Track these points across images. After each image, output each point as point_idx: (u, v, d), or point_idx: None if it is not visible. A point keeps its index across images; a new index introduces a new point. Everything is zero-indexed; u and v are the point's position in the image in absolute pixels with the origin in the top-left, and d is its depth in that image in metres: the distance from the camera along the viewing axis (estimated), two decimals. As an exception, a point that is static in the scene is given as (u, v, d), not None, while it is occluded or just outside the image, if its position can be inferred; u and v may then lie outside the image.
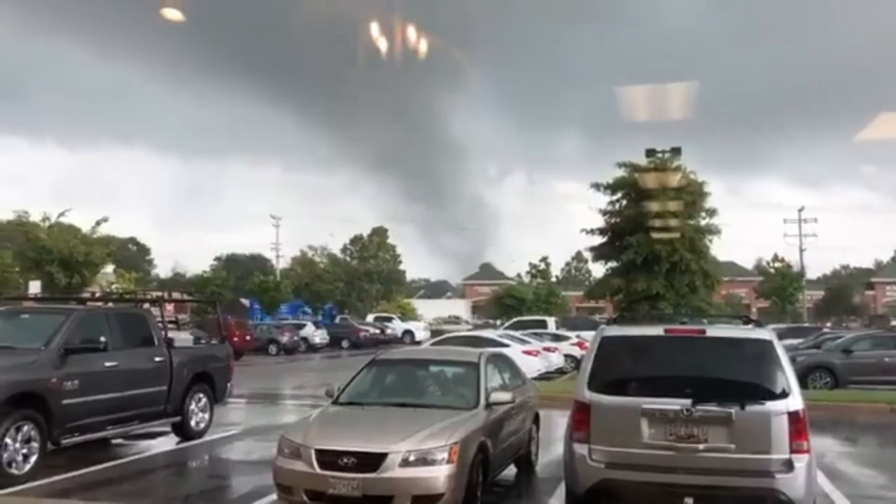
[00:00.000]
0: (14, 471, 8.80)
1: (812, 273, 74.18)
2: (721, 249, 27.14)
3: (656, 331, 7.40)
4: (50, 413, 9.25)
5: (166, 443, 12.00)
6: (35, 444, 9.07)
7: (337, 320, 52.30)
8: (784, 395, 6.65)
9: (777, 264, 67.50)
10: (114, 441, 11.55)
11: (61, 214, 38.25)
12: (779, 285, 64.90)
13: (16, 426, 8.84)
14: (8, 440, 8.73)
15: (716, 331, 7.61)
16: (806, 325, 44.81)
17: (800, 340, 26.62)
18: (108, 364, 10.23)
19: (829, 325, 53.42)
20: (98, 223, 38.03)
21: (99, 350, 10.02)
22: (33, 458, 9.05)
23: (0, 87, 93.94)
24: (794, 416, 6.52)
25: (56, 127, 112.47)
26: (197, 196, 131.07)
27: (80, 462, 9.95)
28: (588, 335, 25.22)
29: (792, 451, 6.47)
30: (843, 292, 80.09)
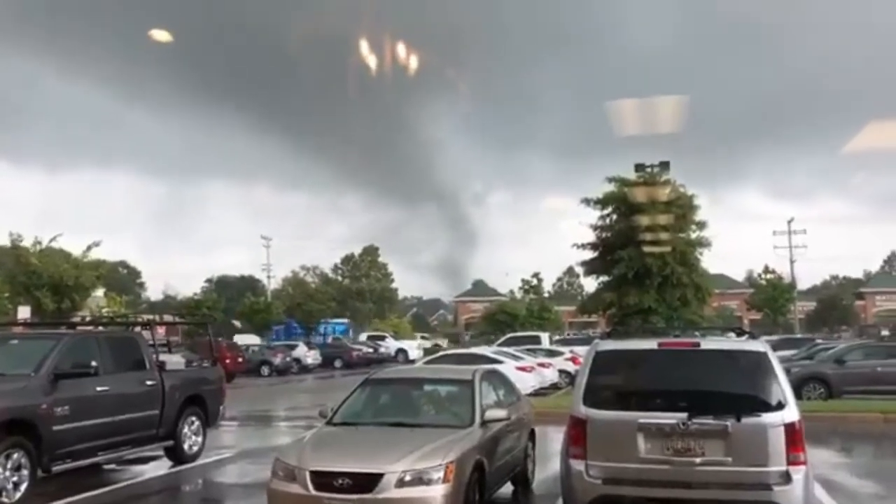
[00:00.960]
0: (4, 499, 8.68)
1: (802, 284, 74.53)
2: (711, 262, 27.23)
3: (650, 344, 7.39)
4: (40, 439, 9.14)
5: (159, 467, 11.87)
6: (25, 472, 8.95)
7: (329, 340, 52.11)
8: (780, 406, 6.64)
9: (768, 276, 67.77)
10: (105, 466, 11.41)
11: (53, 239, 38.08)
12: (770, 297, 65.11)
13: (5, 453, 8.73)
14: (-2, 468, 8.62)
15: (710, 343, 7.59)
16: (798, 336, 44.89)
17: (793, 351, 26.64)
18: (99, 389, 10.13)
19: (820, 335, 53.48)
20: (89, 247, 37.85)
21: (90, 375, 9.92)
22: (24, 486, 8.93)
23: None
24: (790, 428, 6.50)
25: (42, 152, 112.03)
26: (186, 218, 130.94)
27: (71, 489, 9.82)
28: (581, 350, 25.20)
29: (789, 463, 6.45)
30: (834, 303, 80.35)
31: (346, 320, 64.81)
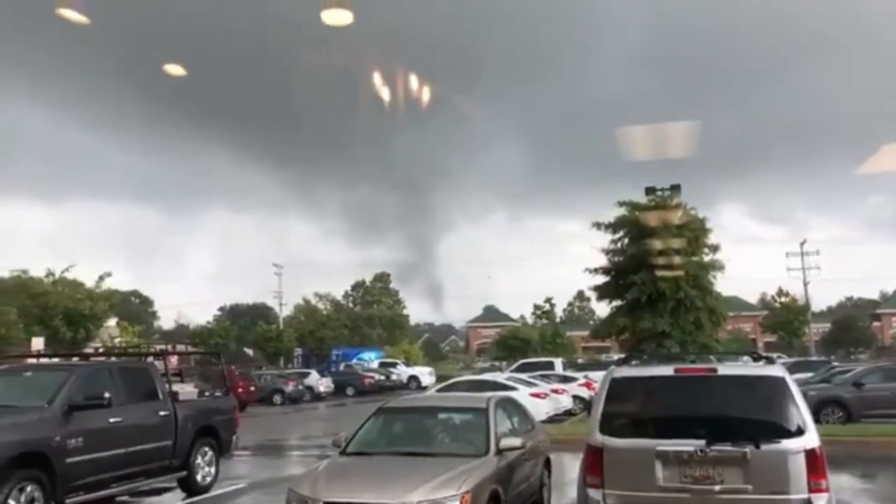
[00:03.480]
0: (18, 533, 8.64)
1: (817, 305, 74.01)
2: (725, 284, 27.03)
3: (666, 371, 7.32)
4: (54, 472, 9.10)
5: (172, 499, 11.82)
6: (39, 505, 8.91)
7: (342, 367, 52.00)
8: (800, 432, 6.54)
9: (783, 298, 67.27)
10: (119, 498, 11.35)
11: (65, 270, 38.46)
12: (784, 319, 64.59)
13: (19, 487, 8.69)
14: (11, 501, 8.58)
15: (727, 369, 7.53)
16: (814, 358, 44.44)
17: (808, 375, 26.36)
18: (112, 420, 10.12)
19: (834, 358, 52.93)
20: (101, 277, 38.24)
21: (103, 406, 9.91)
22: (37, 520, 8.88)
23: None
24: (811, 454, 6.41)
25: (40, 185, 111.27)
26: (197, 247, 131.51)
27: (84, 522, 9.75)
28: (596, 375, 25.05)
29: (811, 491, 6.34)
30: (850, 324, 79.62)
31: (380, 350, 64.86)
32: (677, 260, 23.96)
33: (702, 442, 6.50)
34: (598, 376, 19.79)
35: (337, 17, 9.20)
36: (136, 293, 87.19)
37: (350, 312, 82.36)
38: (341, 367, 52.32)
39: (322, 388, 41.57)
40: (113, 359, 14.01)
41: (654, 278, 23.86)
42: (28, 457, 8.89)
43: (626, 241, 25.53)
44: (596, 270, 25.88)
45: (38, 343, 32.70)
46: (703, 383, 7.08)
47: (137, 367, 12.03)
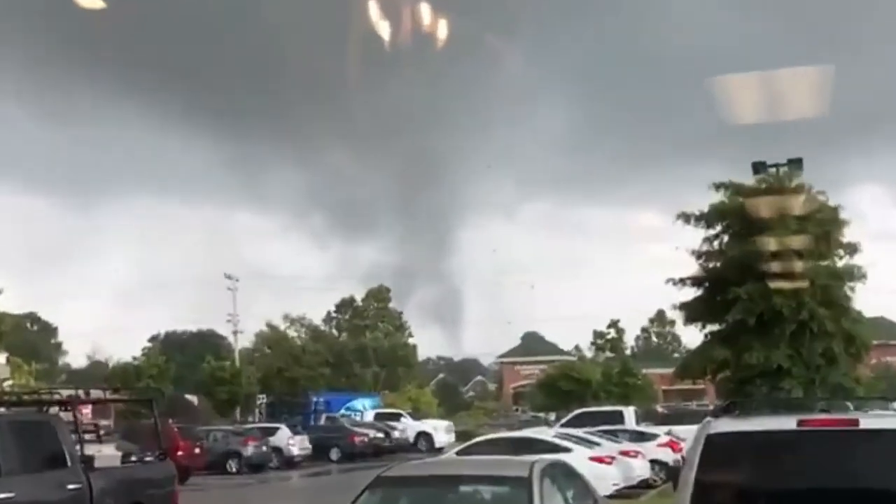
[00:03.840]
0: None
1: None
2: (867, 300, 26.73)
3: (786, 423, 7.32)
4: (-80, 569, 9.20)
5: None
6: None
7: (322, 420, 52.24)
8: (980, 511, 6.52)
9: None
10: None
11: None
12: (953, 349, 64.12)
13: None
14: None
15: (873, 421, 7.53)
16: None
17: None
18: (1, 496, 10.19)
19: None
20: (-14, 296, 38.55)
21: (-12, 476, 10.00)
22: None
23: None
24: None
25: None
26: (122, 253, 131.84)
27: None
28: (684, 431, 24.99)
29: None
30: None
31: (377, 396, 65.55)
32: (800, 265, 23.88)
33: (838, 524, 6.50)
34: (686, 432, 19.75)
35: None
36: (32, 317, 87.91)
37: (334, 343, 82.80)
38: (322, 420, 52.52)
39: (295, 451, 41.81)
40: (2, 409, 14.10)
41: (767, 291, 23.79)
42: None
43: (725, 238, 25.50)
44: (683, 281, 25.88)
45: None
46: (838, 441, 7.08)
47: (36, 420, 12.13)
